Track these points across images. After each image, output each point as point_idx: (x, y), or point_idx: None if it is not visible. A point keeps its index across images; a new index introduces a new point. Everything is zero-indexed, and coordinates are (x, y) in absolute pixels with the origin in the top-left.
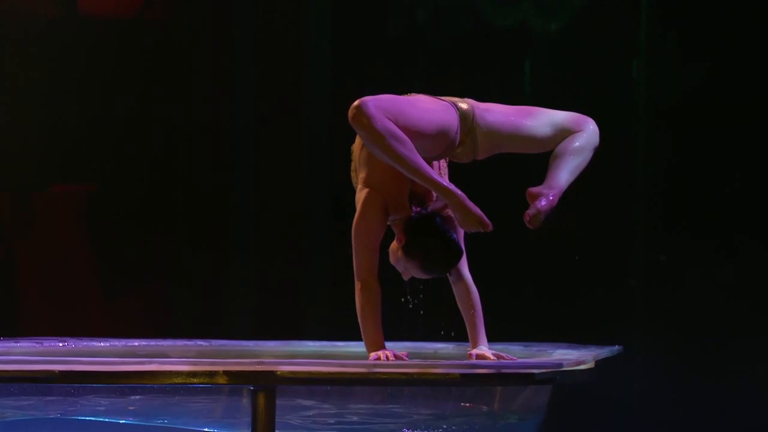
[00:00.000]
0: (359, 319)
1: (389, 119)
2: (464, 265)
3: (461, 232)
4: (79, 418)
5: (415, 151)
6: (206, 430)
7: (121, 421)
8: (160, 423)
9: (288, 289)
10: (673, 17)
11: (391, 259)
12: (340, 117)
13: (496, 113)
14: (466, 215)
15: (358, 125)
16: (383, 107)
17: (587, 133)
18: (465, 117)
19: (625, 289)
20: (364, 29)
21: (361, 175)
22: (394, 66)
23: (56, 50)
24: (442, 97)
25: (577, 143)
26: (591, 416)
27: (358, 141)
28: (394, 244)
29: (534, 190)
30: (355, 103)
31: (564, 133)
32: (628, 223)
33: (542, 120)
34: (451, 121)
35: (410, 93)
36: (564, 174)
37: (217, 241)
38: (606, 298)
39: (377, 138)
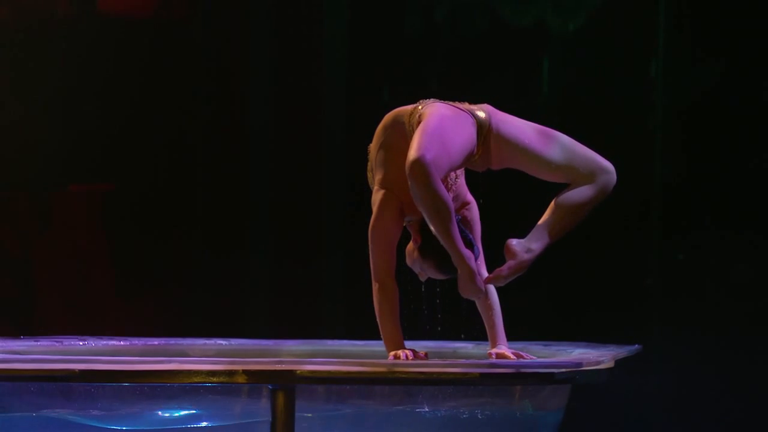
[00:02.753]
0: (378, 320)
1: (439, 175)
2: (482, 265)
3: (478, 232)
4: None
5: (454, 216)
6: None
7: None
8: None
9: (306, 288)
10: (692, 16)
11: (408, 261)
12: (357, 116)
13: (511, 126)
14: (469, 285)
15: (415, 183)
16: (437, 163)
17: (598, 187)
18: (482, 126)
19: (643, 288)
20: (381, 28)
21: (377, 176)
22: (411, 65)
23: (74, 49)
24: (461, 106)
25: (584, 199)
26: (608, 415)
27: (375, 141)
28: (410, 246)
29: (512, 247)
30: (415, 158)
31: (575, 175)
32: (645, 222)
33: (557, 151)
34: (473, 136)
35: (427, 98)
36: (553, 233)
37: (235, 241)
38: (623, 297)
39: (427, 199)
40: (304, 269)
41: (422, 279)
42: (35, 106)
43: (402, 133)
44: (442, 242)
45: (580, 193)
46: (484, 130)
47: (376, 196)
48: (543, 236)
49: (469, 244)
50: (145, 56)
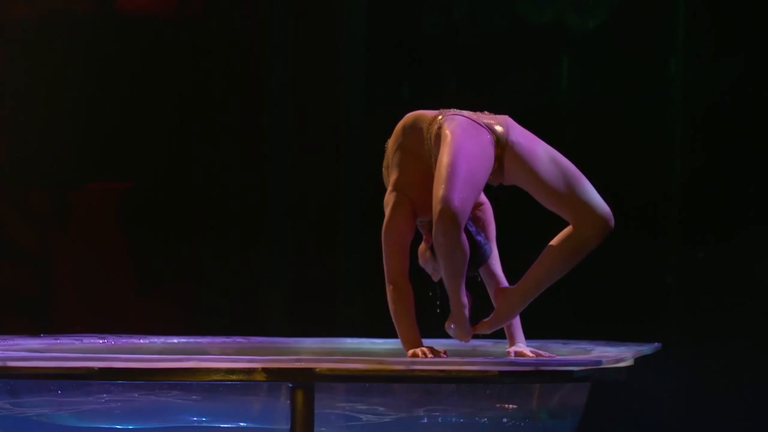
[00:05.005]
0: (394, 321)
1: (467, 214)
2: (497, 264)
3: (492, 231)
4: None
5: (466, 266)
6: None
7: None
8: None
9: (326, 286)
10: (712, 13)
11: (421, 261)
12: (375, 115)
13: (524, 144)
14: (457, 330)
15: (441, 231)
16: (464, 205)
17: (588, 234)
18: (498, 142)
19: (663, 287)
20: (399, 25)
21: (392, 177)
22: (429, 62)
23: (92, 47)
24: (480, 120)
25: (572, 250)
26: (626, 415)
27: (393, 139)
28: (422, 246)
29: (499, 296)
30: (445, 205)
31: (571, 212)
32: (665, 220)
33: (559, 181)
34: (492, 156)
35: (448, 108)
36: (542, 282)
37: (254, 239)
38: (643, 295)
39: (448, 248)
40: (324, 267)
41: (435, 279)
42: (53, 105)
43: (420, 139)
44: (446, 285)
45: (569, 244)
46: (500, 145)
47: (389, 198)
48: (530, 288)
49: (475, 246)
50: (163, 55)
